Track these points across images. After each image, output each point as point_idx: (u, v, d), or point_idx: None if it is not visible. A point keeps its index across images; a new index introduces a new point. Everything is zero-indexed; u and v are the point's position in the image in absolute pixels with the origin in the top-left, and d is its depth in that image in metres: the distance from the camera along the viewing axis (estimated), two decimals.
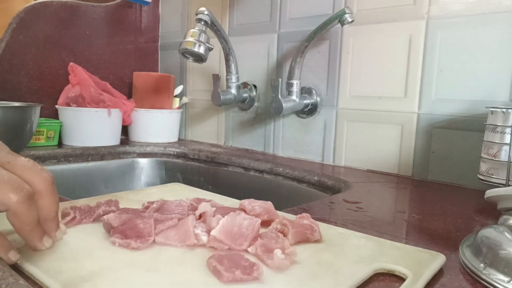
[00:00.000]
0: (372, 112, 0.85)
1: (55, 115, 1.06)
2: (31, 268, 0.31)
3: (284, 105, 0.86)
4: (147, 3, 1.29)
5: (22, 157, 0.34)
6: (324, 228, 0.43)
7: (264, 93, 1.05)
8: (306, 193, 0.81)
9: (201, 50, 0.86)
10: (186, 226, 0.39)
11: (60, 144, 1.02)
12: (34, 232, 0.33)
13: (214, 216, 0.40)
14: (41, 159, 0.90)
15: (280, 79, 0.86)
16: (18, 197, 0.30)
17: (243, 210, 0.45)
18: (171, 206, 0.44)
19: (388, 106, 0.82)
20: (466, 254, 0.38)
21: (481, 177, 0.64)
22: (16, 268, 0.32)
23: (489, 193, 0.49)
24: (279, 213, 0.48)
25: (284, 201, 0.84)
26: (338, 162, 0.91)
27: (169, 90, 1.18)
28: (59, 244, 0.36)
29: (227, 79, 1.04)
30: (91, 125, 1.02)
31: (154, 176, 1.09)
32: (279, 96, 0.86)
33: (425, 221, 0.51)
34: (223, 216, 0.39)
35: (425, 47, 0.77)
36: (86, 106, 1.02)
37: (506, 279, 0.33)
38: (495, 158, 0.61)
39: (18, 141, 0.81)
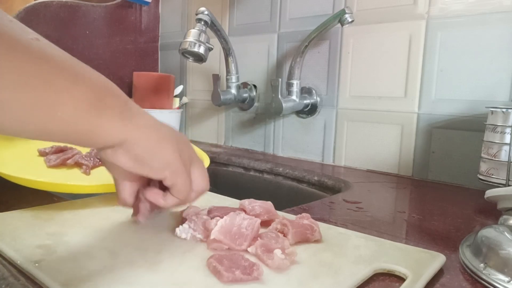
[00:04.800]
0: (372, 112, 0.85)
1: None
2: (31, 268, 0.31)
3: (284, 105, 0.86)
4: (147, 3, 1.29)
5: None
6: (324, 228, 0.43)
7: (264, 93, 1.05)
8: (306, 193, 0.81)
9: (201, 50, 0.86)
10: None
11: None
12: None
13: (213, 218, 0.40)
14: None
15: (280, 79, 0.86)
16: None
17: (243, 210, 0.45)
18: None
19: (388, 106, 0.82)
20: (466, 254, 0.38)
21: (481, 177, 0.64)
22: (16, 268, 0.32)
23: (489, 193, 0.49)
24: (279, 213, 0.48)
25: (284, 201, 0.84)
26: (338, 162, 0.91)
27: (169, 90, 1.18)
28: (59, 244, 0.36)
29: (227, 79, 1.04)
30: None
31: None
32: (279, 96, 0.86)
33: (425, 221, 0.51)
34: (222, 217, 0.39)
35: (425, 47, 0.77)
36: None
37: (506, 279, 0.33)
38: (495, 158, 0.61)
39: None
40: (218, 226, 0.37)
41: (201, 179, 0.40)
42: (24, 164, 0.56)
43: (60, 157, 0.56)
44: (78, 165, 0.57)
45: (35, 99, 0.27)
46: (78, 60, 0.32)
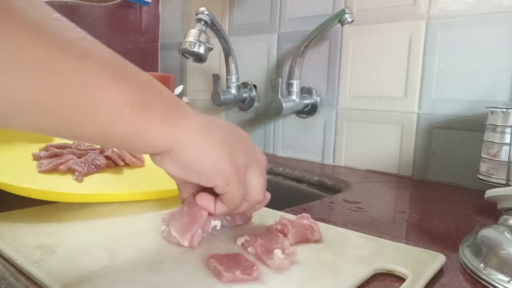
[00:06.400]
0: (372, 112, 0.85)
1: None
2: (31, 268, 0.31)
3: (284, 105, 0.86)
4: (147, 3, 1.29)
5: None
6: (324, 228, 0.43)
7: (264, 93, 1.05)
8: (306, 193, 0.81)
9: (201, 50, 0.86)
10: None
11: None
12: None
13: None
14: None
15: (280, 79, 0.86)
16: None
17: None
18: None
19: (388, 106, 0.82)
20: (466, 254, 0.38)
21: (481, 177, 0.64)
22: (16, 268, 0.32)
23: (489, 193, 0.49)
24: (279, 213, 0.48)
25: (284, 201, 0.84)
26: (338, 162, 0.91)
27: (169, 90, 1.18)
28: (59, 244, 0.36)
29: (227, 79, 1.04)
30: None
31: None
32: (279, 96, 0.86)
33: (425, 221, 0.51)
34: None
35: (425, 47, 0.77)
36: None
37: (506, 279, 0.33)
38: (495, 158, 0.61)
39: None
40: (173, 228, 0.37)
41: (255, 188, 0.36)
42: (14, 168, 0.53)
43: (52, 162, 0.52)
44: (71, 171, 0.53)
45: (73, 100, 0.26)
46: (124, 59, 0.30)
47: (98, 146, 0.62)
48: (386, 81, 0.82)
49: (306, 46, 0.87)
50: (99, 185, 0.52)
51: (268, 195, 0.41)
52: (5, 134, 0.60)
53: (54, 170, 0.52)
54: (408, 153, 0.80)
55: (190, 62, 0.99)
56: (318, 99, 0.93)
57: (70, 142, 0.64)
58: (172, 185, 0.55)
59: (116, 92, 0.27)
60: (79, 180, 0.51)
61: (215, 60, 1.15)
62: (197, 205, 0.38)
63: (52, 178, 0.51)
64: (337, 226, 0.46)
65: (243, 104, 1.08)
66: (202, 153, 0.32)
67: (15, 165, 0.54)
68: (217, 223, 0.40)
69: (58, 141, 0.66)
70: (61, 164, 0.53)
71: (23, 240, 0.37)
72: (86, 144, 0.64)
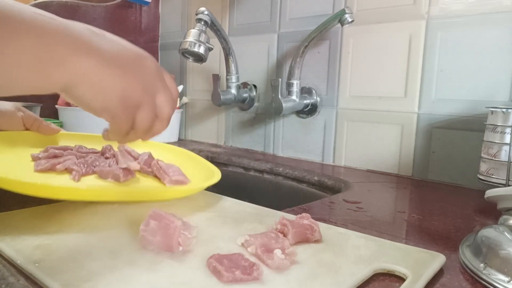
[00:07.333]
0: (372, 112, 0.85)
1: (55, 115, 1.06)
2: (31, 268, 0.31)
3: (284, 105, 0.86)
4: (147, 3, 1.29)
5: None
6: (324, 228, 0.43)
7: (264, 93, 1.05)
8: (306, 193, 0.81)
9: (201, 50, 0.86)
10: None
11: None
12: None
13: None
14: None
15: (280, 79, 0.86)
16: None
17: None
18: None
19: (388, 106, 0.82)
20: (466, 254, 0.38)
21: (481, 177, 0.64)
22: (16, 268, 0.32)
23: (489, 193, 0.49)
24: (279, 213, 0.48)
25: (284, 201, 0.84)
26: (338, 162, 0.91)
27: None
28: (59, 244, 0.36)
29: (227, 79, 1.04)
30: (91, 125, 1.01)
31: None
32: (279, 96, 0.86)
33: (425, 221, 0.51)
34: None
35: (425, 47, 0.77)
36: None
37: (506, 279, 0.33)
38: (495, 158, 0.61)
39: None
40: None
41: (143, 123, 0.38)
42: (11, 167, 0.52)
43: (49, 162, 0.52)
44: (68, 171, 0.52)
45: None
46: (20, 9, 0.30)
47: (99, 149, 0.61)
48: (386, 81, 0.82)
49: (306, 46, 0.87)
50: (97, 184, 0.51)
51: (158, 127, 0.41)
52: (7, 137, 0.60)
53: (51, 169, 0.51)
54: (408, 153, 0.80)
55: (190, 62, 0.99)
56: (318, 99, 0.93)
57: (71, 145, 0.63)
58: (177, 188, 0.54)
59: (9, 58, 0.28)
60: (76, 179, 0.50)
61: (215, 60, 1.15)
62: (167, 216, 0.37)
63: (48, 177, 0.50)
64: (337, 226, 0.46)
65: (243, 104, 1.08)
66: (94, 92, 0.34)
67: (12, 164, 0.53)
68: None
69: (60, 144, 0.66)
70: (58, 163, 0.52)
71: (23, 240, 0.37)
72: (87, 147, 0.63)
